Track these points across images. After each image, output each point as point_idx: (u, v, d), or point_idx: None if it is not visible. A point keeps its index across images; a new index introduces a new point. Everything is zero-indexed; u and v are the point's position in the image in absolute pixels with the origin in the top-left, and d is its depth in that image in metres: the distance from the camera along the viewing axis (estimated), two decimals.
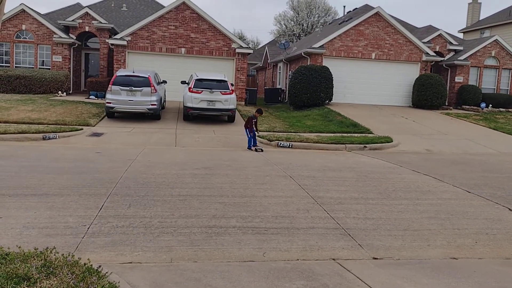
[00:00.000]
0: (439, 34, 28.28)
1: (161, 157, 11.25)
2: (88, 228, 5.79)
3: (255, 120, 13.53)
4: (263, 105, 26.39)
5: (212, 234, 5.84)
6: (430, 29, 29.68)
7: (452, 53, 28.19)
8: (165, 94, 20.27)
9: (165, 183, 8.23)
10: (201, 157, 11.44)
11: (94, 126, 15.79)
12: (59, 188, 7.55)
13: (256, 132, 13.53)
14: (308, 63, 24.27)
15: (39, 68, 24.09)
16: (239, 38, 30.76)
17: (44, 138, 13.31)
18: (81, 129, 14.77)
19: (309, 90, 22.15)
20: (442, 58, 27.04)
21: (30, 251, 4.29)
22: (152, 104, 16.72)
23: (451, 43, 28.28)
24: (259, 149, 13.13)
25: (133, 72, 17.37)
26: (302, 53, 24.98)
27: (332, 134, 16.09)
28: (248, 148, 13.33)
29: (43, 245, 4.71)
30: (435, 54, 26.16)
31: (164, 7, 25.25)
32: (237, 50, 23.88)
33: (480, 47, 26.92)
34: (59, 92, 22.30)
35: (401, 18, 29.08)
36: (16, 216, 6.06)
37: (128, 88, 16.49)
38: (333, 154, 13.10)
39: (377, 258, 5.41)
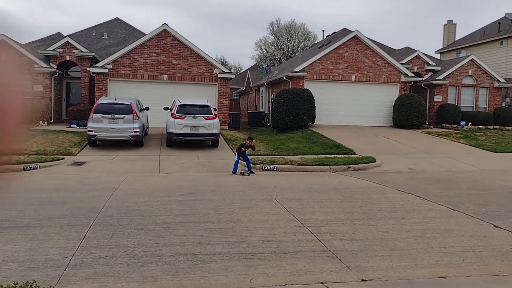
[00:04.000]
0: (416, 55, 28.92)
1: (144, 184, 11.12)
2: (70, 259, 5.64)
3: (244, 148, 13.59)
4: (247, 128, 26.47)
5: (197, 261, 5.74)
6: (407, 50, 30.34)
7: (430, 73, 28.78)
8: (147, 121, 20.19)
9: (148, 211, 8.10)
10: (185, 183, 11.34)
11: (75, 155, 15.58)
12: (40, 220, 7.38)
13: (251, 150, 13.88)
14: (290, 87, 24.48)
15: None
16: (221, 64, 30.99)
17: (25, 169, 13.06)
18: (63, 158, 14.55)
19: (292, 113, 22.30)
20: (420, 79, 27.57)
21: (10, 285, 4.15)
22: (134, 131, 16.60)
23: (428, 64, 28.92)
24: (246, 172, 13.12)
25: (115, 99, 17.27)
26: (284, 77, 25.25)
27: (316, 156, 16.15)
28: (233, 172, 13.28)
29: (24, 278, 4.56)
30: (413, 75, 26.69)
31: (146, 34, 25.37)
32: (219, 75, 24.02)
33: (457, 66, 27.56)
34: (40, 122, 22.07)
35: (379, 41, 29.66)
36: None
37: (110, 115, 16.36)
38: (318, 175, 13.12)
39: (365, 280, 5.36)
